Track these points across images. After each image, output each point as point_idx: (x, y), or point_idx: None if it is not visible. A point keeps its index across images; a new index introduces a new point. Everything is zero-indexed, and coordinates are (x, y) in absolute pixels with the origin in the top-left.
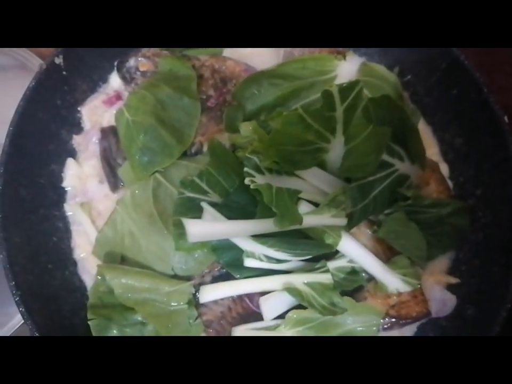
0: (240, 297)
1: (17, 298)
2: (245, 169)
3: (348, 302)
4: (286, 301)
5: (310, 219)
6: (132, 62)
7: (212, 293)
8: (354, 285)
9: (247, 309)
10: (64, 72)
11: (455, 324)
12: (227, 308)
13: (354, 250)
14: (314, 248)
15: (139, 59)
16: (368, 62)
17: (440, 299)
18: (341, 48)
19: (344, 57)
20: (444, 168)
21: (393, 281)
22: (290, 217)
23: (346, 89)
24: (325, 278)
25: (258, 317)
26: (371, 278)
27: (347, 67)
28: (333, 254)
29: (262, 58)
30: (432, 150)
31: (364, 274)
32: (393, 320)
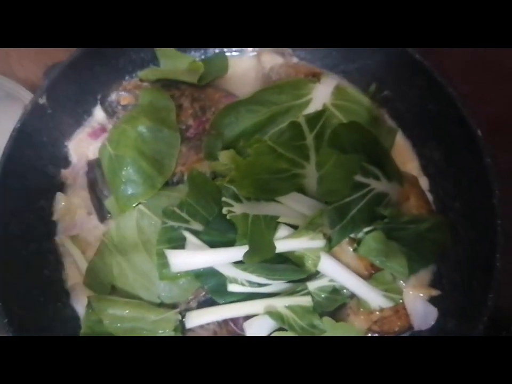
0: (225, 321)
1: (10, 334)
2: (223, 198)
3: (328, 323)
4: (270, 323)
5: (289, 243)
6: (113, 96)
7: (197, 318)
8: (336, 304)
9: (232, 332)
10: (49, 110)
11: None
12: (212, 332)
13: (335, 270)
14: (293, 273)
15: (120, 93)
16: (343, 83)
17: (422, 312)
18: (315, 67)
19: (319, 80)
20: (424, 182)
21: (375, 298)
22: (263, 249)
23: (313, 119)
24: (305, 301)
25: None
26: (353, 295)
27: (322, 90)
28: (314, 274)
29: (241, 84)
30: (412, 164)
31: (345, 291)
32: (376, 335)
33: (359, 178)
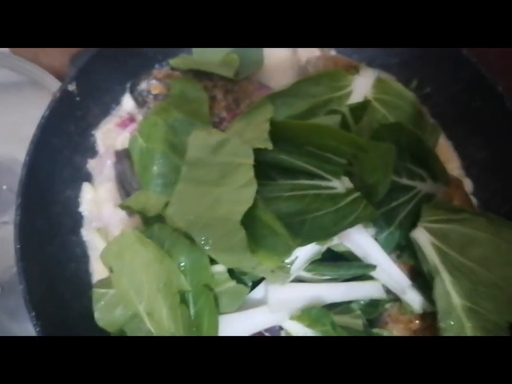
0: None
1: (38, 329)
2: None
3: None
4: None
5: None
6: (143, 85)
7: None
8: (377, 313)
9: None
10: (77, 98)
11: None
12: None
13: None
14: (358, 268)
15: (151, 82)
16: (383, 77)
17: None
18: (353, 61)
19: (358, 71)
20: (468, 184)
21: (418, 300)
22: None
23: (358, 109)
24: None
25: None
26: (395, 299)
27: (362, 82)
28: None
29: (276, 76)
30: (453, 165)
31: (386, 295)
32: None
33: (404, 181)
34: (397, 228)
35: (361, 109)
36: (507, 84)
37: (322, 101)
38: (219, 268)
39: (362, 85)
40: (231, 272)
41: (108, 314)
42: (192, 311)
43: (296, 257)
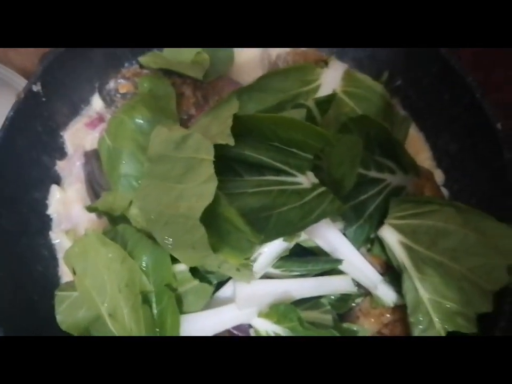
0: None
1: (1, 334)
2: None
3: None
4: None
5: None
6: (111, 84)
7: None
8: (347, 307)
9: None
10: (43, 99)
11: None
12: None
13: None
14: (326, 263)
15: (119, 81)
16: (352, 70)
17: None
18: (324, 55)
19: (326, 64)
20: (439, 176)
21: (390, 293)
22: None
23: (324, 102)
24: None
25: None
26: (366, 293)
27: (330, 75)
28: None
29: (246, 72)
30: (425, 157)
31: (357, 290)
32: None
33: (373, 174)
34: (366, 221)
35: (327, 102)
36: (477, 79)
37: (290, 95)
38: (181, 267)
39: (331, 78)
40: (195, 271)
41: (71, 317)
42: (155, 311)
43: (260, 254)
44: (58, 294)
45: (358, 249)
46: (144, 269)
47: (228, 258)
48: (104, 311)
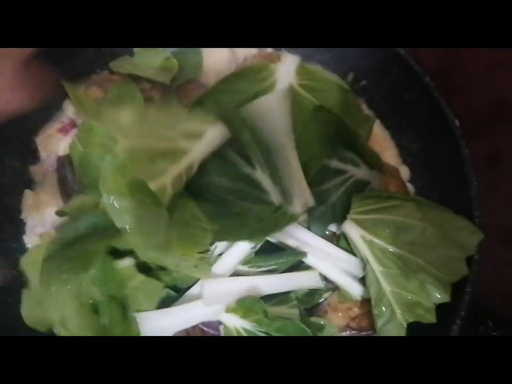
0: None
1: None
2: None
3: None
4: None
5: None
6: (82, 90)
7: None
8: (314, 302)
9: (206, 333)
10: None
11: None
12: (184, 332)
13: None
14: (290, 256)
15: (89, 87)
16: (304, 62)
17: None
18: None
19: (279, 59)
20: (405, 172)
21: (356, 287)
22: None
23: None
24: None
25: None
26: (334, 288)
27: (284, 69)
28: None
29: (214, 75)
30: (390, 154)
31: (324, 286)
32: (354, 332)
33: (335, 164)
34: (328, 209)
35: None
36: (439, 82)
37: (250, 96)
38: (126, 262)
39: (285, 73)
40: (144, 268)
41: (36, 313)
42: (105, 319)
43: (216, 247)
44: (25, 291)
45: (321, 235)
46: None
47: (181, 250)
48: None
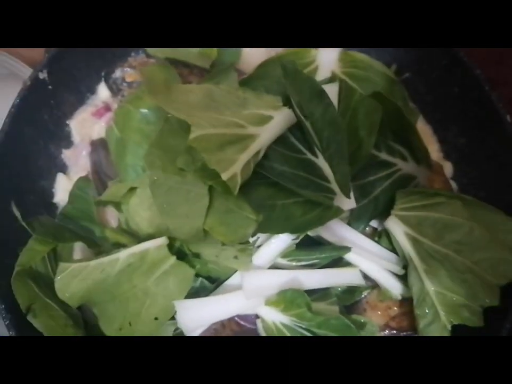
0: (231, 319)
1: (7, 322)
2: None
3: None
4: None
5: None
6: (118, 73)
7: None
8: (353, 299)
9: (242, 326)
10: (49, 87)
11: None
12: (220, 324)
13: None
14: (332, 251)
15: (125, 69)
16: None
17: None
18: None
19: None
20: (448, 169)
21: (397, 286)
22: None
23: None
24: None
25: (254, 334)
26: (373, 286)
27: (326, 56)
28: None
29: (253, 62)
30: (433, 149)
31: (364, 283)
32: (394, 332)
33: (384, 156)
34: (371, 202)
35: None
36: (486, 75)
37: None
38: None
39: (327, 59)
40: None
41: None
42: None
43: (258, 238)
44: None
45: (361, 230)
46: None
47: (222, 237)
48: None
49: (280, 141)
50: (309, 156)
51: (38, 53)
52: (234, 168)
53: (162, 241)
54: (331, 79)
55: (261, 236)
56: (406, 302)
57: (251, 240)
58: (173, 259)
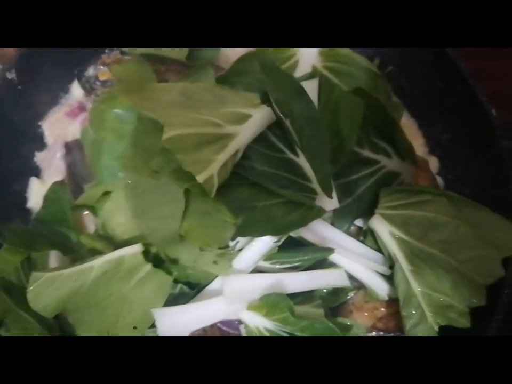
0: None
1: None
2: None
3: None
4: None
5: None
6: (91, 71)
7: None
8: (339, 301)
9: (225, 332)
10: (19, 87)
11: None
12: (202, 330)
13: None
14: (316, 253)
15: (98, 67)
16: None
17: None
18: None
19: None
20: (434, 164)
21: (384, 286)
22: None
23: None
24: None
25: None
26: (359, 287)
27: (307, 50)
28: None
29: (232, 58)
30: (418, 144)
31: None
32: (381, 333)
33: (367, 153)
34: (354, 201)
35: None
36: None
37: None
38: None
39: (307, 54)
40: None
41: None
42: None
43: (237, 242)
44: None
45: (346, 230)
46: None
47: (199, 242)
48: None
49: (260, 140)
50: (290, 155)
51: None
52: (210, 170)
53: (137, 248)
54: (312, 74)
55: (242, 239)
56: (393, 303)
57: (231, 244)
58: (148, 266)
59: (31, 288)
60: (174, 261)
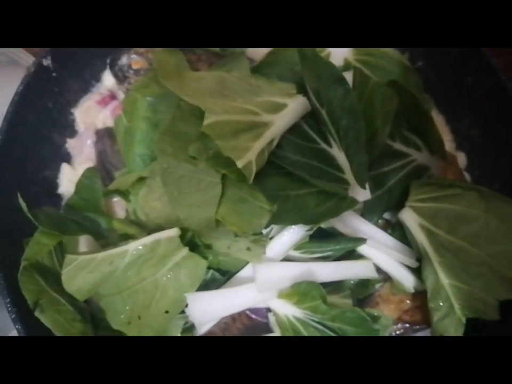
0: (241, 312)
1: (13, 315)
2: None
3: None
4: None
5: None
6: (124, 60)
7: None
8: (367, 292)
9: (249, 325)
10: (53, 74)
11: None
12: (230, 318)
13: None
14: (348, 243)
15: (132, 56)
16: None
17: None
18: None
19: None
20: (462, 160)
21: (410, 279)
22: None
23: None
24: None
25: (265, 327)
26: (386, 279)
27: None
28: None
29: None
30: (446, 140)
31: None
32: (407, 325)
33: (398, 146)
34: (385, 193)
35: None
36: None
37: None
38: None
39: None
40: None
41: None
42: None
43: (271, 229)
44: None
45: (375, 222)
46: None
47: (235, 228)
48: None
49: (294, 129)
50: (323, 145)
51: None
52: (249, 156)
53: (174, 232)
54: (344, 67)
55: (274, 228)
56: (419, 296)
57: (264, 231)
58: (185, 250)
59: (65, 270)
60: (208, 247)
